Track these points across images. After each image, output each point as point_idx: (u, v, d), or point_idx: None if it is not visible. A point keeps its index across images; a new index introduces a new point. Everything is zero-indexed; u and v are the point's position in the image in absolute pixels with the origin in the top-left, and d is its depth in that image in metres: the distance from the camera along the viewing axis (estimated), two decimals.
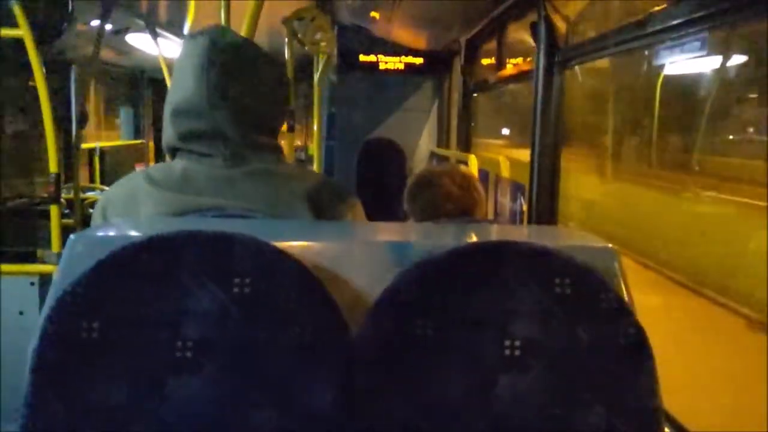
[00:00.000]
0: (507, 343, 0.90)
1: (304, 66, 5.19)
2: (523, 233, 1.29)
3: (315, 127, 5.88)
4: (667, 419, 0.94)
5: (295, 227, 1.22)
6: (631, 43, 1.78)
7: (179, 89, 1.32)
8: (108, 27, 4.34)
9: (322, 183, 1.39)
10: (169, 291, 0.88)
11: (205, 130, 1.30)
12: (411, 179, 2.20)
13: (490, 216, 3.51)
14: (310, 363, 0.89)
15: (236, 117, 1.30)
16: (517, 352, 0.90)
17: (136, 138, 8.69)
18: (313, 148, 6.02)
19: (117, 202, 1.31)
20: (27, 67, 2.94)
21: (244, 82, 1.32)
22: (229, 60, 1.31)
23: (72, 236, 0.95)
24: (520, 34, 3.72)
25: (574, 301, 0.91)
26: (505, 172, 3.32)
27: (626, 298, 0.97)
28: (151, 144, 9.17)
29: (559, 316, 0.90)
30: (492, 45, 4.22)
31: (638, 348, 0.91)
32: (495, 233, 1.22)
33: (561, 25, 2.09)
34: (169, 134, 1.36)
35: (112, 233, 1.00)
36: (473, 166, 3.51)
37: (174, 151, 1.37)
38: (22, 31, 2.77)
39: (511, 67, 3.76)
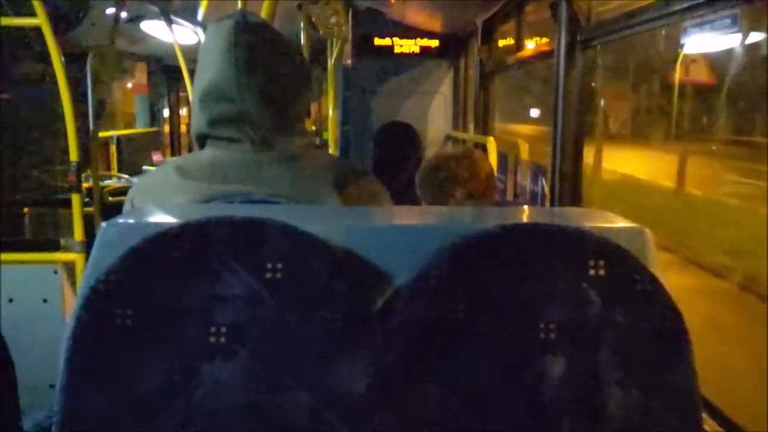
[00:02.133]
0: (541, 326, 0.89)
1: (318, 50, 5.18)
2: (551, 215, 1.28)
3: (330, 112, 5.88)
4: (704, 403, 0.93)
5: (324, 212, 1.22)
6: (655, 21, 1.75)
7: (206, 74, 1.33)
8: (123, 15, 4.35)
9: (349, 169, 1.39)
10: (201, 277, 0.88)
11: (233, 114, 1.30)
12: (423, 163, 2.20)
13: (510, 199, 3.49)
14: (343, 347, 0.89)
15: (263, 100, 1.31)
16: (551, 335, 0.89)
17: (151, 126, 8.73)
18: (328, 134, 6.01)
19: (146, 193, 1.32)
20: (44, 56, 2.95)
21: (269, 63, 1.33)
22: (253, 41, 1.31)
23: (103, 224, 0.95)
24: (538, 14, 3.68)
25: (609, 283, 0.90)
26: (524, 154, 3.30)
27: (661, 280, 0.95)
28: (167, 131, 9.22)
29: (594, 298, 0.90)
30: (509, 26, 4.18)
31: (674, 330, 0.90)
32: (524, 215, 1.21)
33: (582, 4, 2.06)
34: (198, 121, 1.36)
35: (143, 220, 1.00)
36: (492, 149, 3.49)
37: (202, 140, 1.37)
38: (40, 20, 2.78)
39: (529, 49, 3.73)
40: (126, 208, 1.34)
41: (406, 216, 1.25)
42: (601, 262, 0.90)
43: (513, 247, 0.91)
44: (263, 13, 1.94)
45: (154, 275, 0.88)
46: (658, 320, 0.90)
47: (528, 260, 0.91)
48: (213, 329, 0.87)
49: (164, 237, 0.88)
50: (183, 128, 9.68)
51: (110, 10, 4.29)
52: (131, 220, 1.00)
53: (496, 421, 0.89)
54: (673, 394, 0.90)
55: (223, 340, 0.87)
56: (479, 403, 0.90)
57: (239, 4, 2.36)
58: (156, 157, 7.59)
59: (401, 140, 5.34)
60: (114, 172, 6.40)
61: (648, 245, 0.97)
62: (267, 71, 1.32)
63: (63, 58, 2.84)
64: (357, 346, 0.90)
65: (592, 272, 0.90)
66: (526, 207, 1.84)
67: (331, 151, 5.41)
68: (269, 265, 0.88)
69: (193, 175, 1.29)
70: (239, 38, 1.29)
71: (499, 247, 0.91)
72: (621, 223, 1.02)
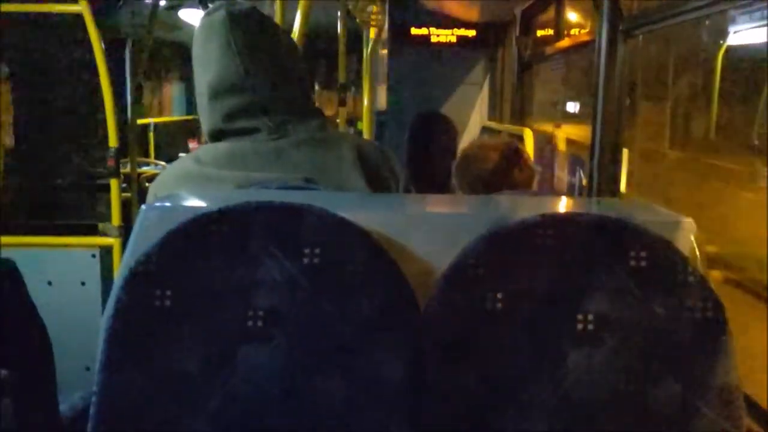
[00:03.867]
0: (579, 317, 0.88)
1: (354, 40, 5.17)
2: (591, 205, 1.27)
3: (365, 102, 5.87)
4: (745, 400, 0.91)
5: (362, 199, 1.22)
6: (701, 10, 1.72)
7: (210, 70, 1.32)
8: (161, 3, 4.39)
9: (367, 147, 1.39)
10: (239, 261, 0.88)
11: (247, 105, 1.30)
12: (460, 153, 2.18)
13: (547, 190, 3.46)
14: (379, 334, 0.89)
15: (272, 83, 1.31)
16: (590, 327, 0.88)
17: (187, 114, 8.81)
18: (363, 124, 6.01)
19: (169, 185, 1.32)
20: (82, 42, 2.98)
21: (268, 47, 1.34)
22: (249, 29, 1.32)
23: (143, 207, 0.96)
24: (578, 2, 3.63)
25: (649, 274, 0.88)
26: (561, 145, 3.27)
27: (703, 271, 0.93)
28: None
29: (634, 290, 0.88)
30: (548, 15, 4.13)
31: (716, 324, 0.88)
32: (563, 205, 1.20)
33: None
34: (211, 117, 1.35)
35: (182, 204, 1.00)
36: (529, 139, 3.46)
37: (217, 136, 1.36)
38: (81, 6, 2.81)
39: (568, 38, 3.68)
40: (149, 200, 1.34)
41: (443, 204, 1.24)
42: (642, 253, 0.88)
43: (552, 236, 0.90)
44: (300, 5, 1.93)
45: (193, 258, 0.88)
46: (699, 312, 0.88)
47: (567, 250, 0.89)
48: (251, 313, 0.88)
49: (204, 221, 0.89)
50: None
51: None
52: (170, 204, 1.01)
53: (531, 411, 0.88)
54: (714, 389, 0.88)
55: (260, 324, 0.88)
56: (515, 394, 0.89)
57: None
58: (192, 144, 7.67)
59: (436, 131, 5.32)
60: (151, 158, 6.48)
61: (690, 236, 0.96)
62: (268, 55, 1.32)
63: (103, 46, 2.87)
64: (393, 333, 0.90)
65: (632, 263, 0.88)
66: (564, 197, 1.82)
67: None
68: (307, 251, 0.88)
69: (213, 165, 1.28)
70: (235, 28, 1.29)
71: (537, 237, 0.90)
72: (663, 213, 1.01)
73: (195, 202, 1.01)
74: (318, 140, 1.34)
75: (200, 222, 0.89)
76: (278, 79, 1.33)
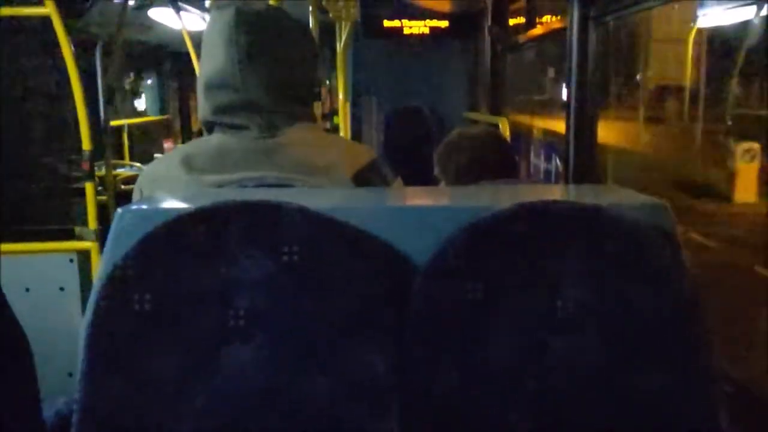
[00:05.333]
0: (559, 304, 0.88)
1: (327, 33, 5.15)
2: (568, 193, 1.27)
3: (340, 96, 5.85)
4: (724, 377, 0.92)
5: (340, 194, 1.21)
6: None
7: (210, 63, 1.32)
8: (131, 3, 4.33)
9: (359, 152, 1.38)
10: (218, 261, 0.88)
11: (238, 102, 1.30)
12: (442, 143, 2.18)
13: (524, 178, 3.47)
14: (361, 329, 0.89)
15: (268, 86, 1.30)
16: (569, 314, 0.88)
17: (161, 114, 8.73)
18: (339, 118, 6.00)
19: (154, 182, 1.31)
20: (52, 45, 2.94)
21: (273, 50, 1.31)
22: (256, 29, 1.30)
23: (119, 210, 0.95)
24: None
25: (626, 260, 0.89)
26: (537, 133, 3.28)
27: (679, 255, 0.94)
28: (177, 119, 9.22)
29: (611, 276, 0.89)
30: (519, 4, 4.14)
31: (692, 307, 0.89)
32: (539, 193, 1.20)
33: None
34: (203, 109, 1.35)
35: (158, 206, 1.00)
36: (504, 129, 3.47)
37: (210, 126, 1.37)
38: (48, 8, 2.77)
39: (540, 26, 3.69)
40: (135, 197, 1.34)
41: (422, 196, 1.24)
42: (620, 239, 0.89)
43: (530, 225, 0.90)
44: None
45: (171, 260, 0.88)
46: (676, 296, 0.89)
47: (545, 239, 0.90)
48: (231, 313, 0.87)
49: (180, 222, 0.88)
50: (194, 117, 9.68)
51: None
52: (146, 207, 1.00)
53: (515, 400, 0.89)
54: (692, 371, 0.89)
55: (241, 323, 0.87)
56: (498, 384, 0.89)
57: None
58: (167, 144, 7.61)
59: (412, 123, 5.33)
60: (126, 160, 6.42)
61: (667, 220, 0.96)
62: (271, 58, 1.31)
63: (73, 48, 2.84)
64: (375, 329, 0.90)
65: (609, 249, 0.89)
66: (542, 185, 1.83)
67: (342, 134, 5.39)
68: (286, 248, 0.88)
69: (199, 164, 1.28)
70: (241, 27, 1.28)
71: (516, 226, 0.90)
72: (639, 198, 1.01)
73: (171, 204, 1.01)
74: (307, 142, 1.33)
75: (177, 224, 0.88)
76: (275, 81, 1.32)
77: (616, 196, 1.08)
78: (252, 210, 0.89)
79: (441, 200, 1.19)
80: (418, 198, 1.22)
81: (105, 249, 0.94)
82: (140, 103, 8.80)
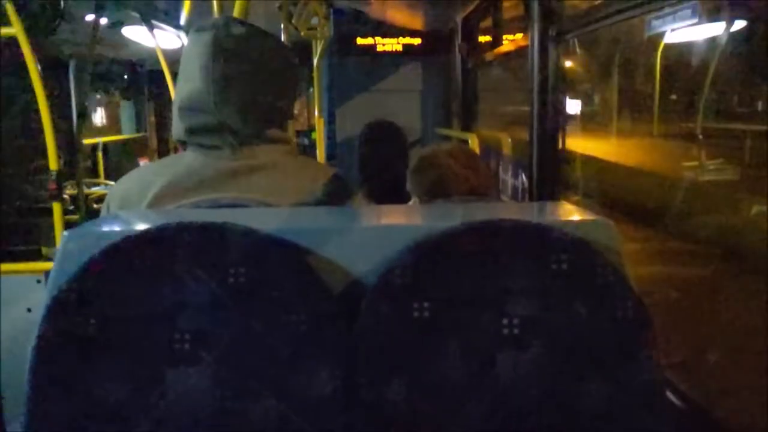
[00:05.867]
0: (505, 321, 0.89)
1: (302, 51, 5.17)
2: (519, 210, 1.29)
3: (316, 112, 5.87)
4: (670, 387, 0.93)
5: (287, 214, 1.21)
6: (627, 12, 1.76)
7: (185, 85, 1.32)
8: (103, 21, 4.33)
9: (329, 178, 1.38)
10: (164, 284, 0.87)
11: (211, 125, 1.30)
12: (414, 160, 2.18)
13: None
14: (309, 351, 0.89)
15: (243, 111, 1.30)
16: (515, 330, 0.89)
17: (137, 131, 8.69)
18: (316, 134, 6.01)
19: (121, 199, 1.31)
20: (22, 65, 2.94)
21: (249, 75, 1.32)
22: (233, 55, 1.30)
23: (65, 233, 0.95)
24: (515, 10, 3.68)
25: (571, 276, 0.90)
26: (507, 149, 3.30)
27: (623, 272, 0.96)
28: (154, 137, 9.18)
29: (557, 292, 0.90)
30: (487, 22, 4.19)
31: (637, 321, 0.90)
32: (489, 211, 1.21)
33: None
34: (177, 128, 1.36)
35: (104, 228, 0.99)
36: (474, 144, 3.49)
37: (183, 144, 1.37)
38: (15, 29, 2.76)
39: (507, 44, 3.73)
40: (103, 213, 1.34)
41: (370, 216, 1.25)
42: (563, 256, 0.90)
43: (475, 244, 0.91)
44: (235, 13, 1.93)
45: (115, 284, 0.88)
46: (621, 312, 0.90)
47: (491, 256, 0.91)
48: (177, 336, 0.87)
49: (125, 244, 0.88)
50: (170, 135, 9.63)
51: (90, 17, 4.27)
52: (92, 228, 1.00)
53: (465, 418, 0.89)
54: (638, 384, 0.90)
55: (187, 346, 0.87)
56: (448, 401, 0.90)
57: (215, 6, 2.35)
58: (143, 162, 7.57)
59: (387, 139, 5.33)
60: (101, 179, 6.37)
61: (612, 237, 0.98)
62: (246, 83, 1.31)
63: (40, 67, 2.83)
64: (323, 349, 0.90)
65: (554, 266, 0.90)
66: (491, 203, 1.84)
67: (318, 150, 5.40)
68: (232, 270, 0.88)
69: (166, 182, 1.28)
70: (218, 52, 1.28)
71: (461, 245, 0.91)
72: (585, 215, 1.03)
73: (117, 227, 1.00)
74: (277, 167, 1.33)
75: (122, 246, 0.88)
76: (250, 106, 1.32)
77: (565, 213, 1.09)
78: (197, 232, 0.89)
79: (390, 219, 1.19)
80: (368, 217, 1.22)
81: (51, 273, 0.94)
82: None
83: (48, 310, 0.87)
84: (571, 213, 1.06)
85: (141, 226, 0.91)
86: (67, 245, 0.94)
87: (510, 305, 0.90)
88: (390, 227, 1.05)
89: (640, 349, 0.90)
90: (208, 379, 0.88)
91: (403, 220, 1.16)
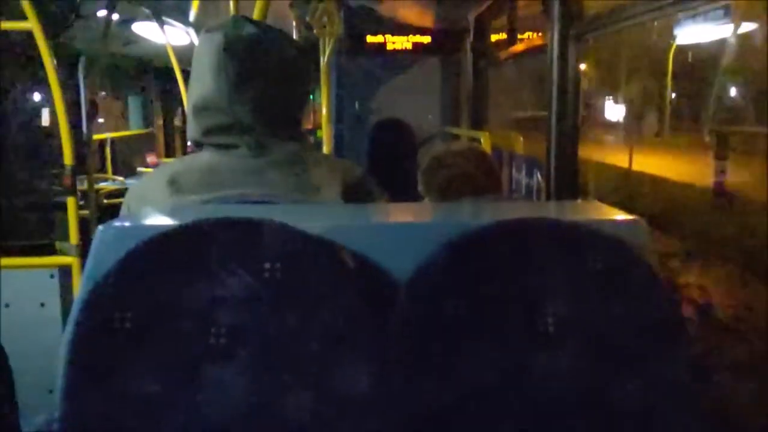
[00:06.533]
0: (540, 320, 0.89)
1: (310, 49, 5.18)
2: (548, 209, 1.29)
3: (324, 111, 5.87)
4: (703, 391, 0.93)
5: (322, 210, 1.22)
6: (648, 14, 1.76)
7: (198, 85, 1.32)
8: (114, 17, 4.33)
9: (349, 172, 1.38)
10: (200, 279, 0.87)
11: (227, 124, 1.30)
12: (425, 160, 2.18)
13: (506, 193, 3.49)
14: (344, 347, 0.89)
15: (257, 110, 1.30)
16: (550, 329, 0.89)
17: (145, 127, 8.70)
18: (322, 132, 6.02)
19: (141, 199, 1.32)
20: (34, 60, 2.94)
21: (262, 74, 1.31)
22: (245, 55, 1.30)
23: (100, 227, 0.95)
24: (530, 8, 3.68)
25: (606, 276, 0.90)
26: (519, 148, 3.31)
27: (657, 271, 0.96)
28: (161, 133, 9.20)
29: (592, 291, 0.90)
30: (501, 21, 4.18)
31: (672, 321, 0.90)
32: (521, 210, 1.21)
33: None
34: (193, 129, 1.36)
35: (140, 223, 0.99)
36: (486, 143, 3.49)
37: (199, 145, 1.37)
38: (31, 23, 2.76)
39: (521, 43, 3.73)
40: (123, 212, 1.34)
41: (404, 213, 1.25)
42: (598, 255, 0.90)
43: (510, 242, 0.91)
44: (255, 14, 1.93)
45: (152, 278, 0.88)
46: (655, 311, 0.90)
47: (525, 255, 0.91)
48: (213, 331, 0.87)
49: (161, 239, 0.88)
50: (177, 132, 9.65)
51: (101, 13, 4.28)
52: (128, 223, 1.00)
53: (498, 417, 0.89)
54: (673, 385, 0.90)
55: (223, 341, 0.87)
56: (481, 400, 0.90)
57: (231, 5, 2.35)
58: (150, 158, 7.57)
59: (396, 138, 5.33)
60: (109, 174, 6.38)
61: (644, 236, 0.98)
62: (259, 82, 1.31)
63: (55, 62, 2.83)
64: (358, 345, 0.90)
65: (589, 265, 0.90)
66: (523, 202, 1.85)
67: (325, 149, 5.40)
68: (268, 265, 0.88)
69: (186, 185, 1.28)
70: (229, 52, 1.28)
71: (496, 243, 0.91)
72: (616, 215, 1.03)
73: (153, 221, 1.01)
74: (296, 162, 1.33)
75: (158, 241, 0.88)
76: (264, 104, 1.32)
77: (596, 213, 1.09)
78: (234, 227, 0.90)
79: (423, 217, 1.20)
80: (401, 214, 1.22)
81: (86, 266, 0.94)
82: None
83: (84, 303, 0.87)
84: (603, 212, 1.06)
85: (175, 221, 0.92)
86: (103, 239, 0.94)
87: (544, 304, 0.90)
88: (425, 224, 1.05)
89: (675, 349, 0.90)
90: (243, 373, 0.88)
91: (438, 218, 1.17)
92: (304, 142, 1.41)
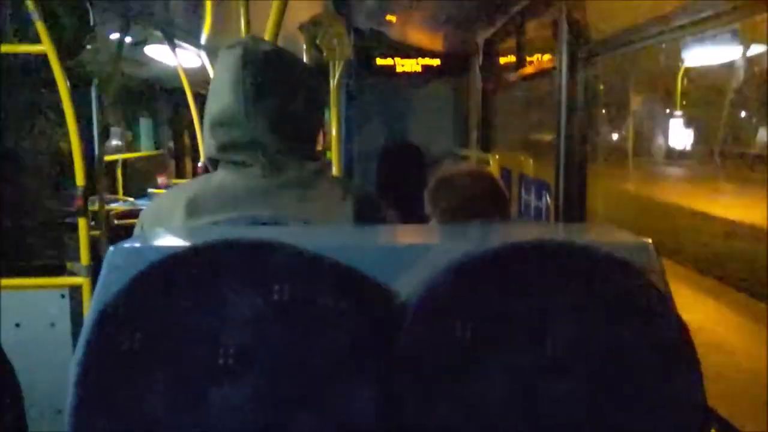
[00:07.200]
0: (549, 343, 0.89)
1: (320, 70, 5.21)
2: (557, 231, 1.28)
3: (333, 132, 5.90)
4: (714, 417, 0.92)
5: (330, 232, 1.22)
6: (656, 37, 1.77)
7: (216, 101, 1.34)
8: (127, 40, 4.38)
9: (360, 197, 1.38)
10: (208, 300, 0.88)
11: (243, 140, 1.31)
12: (432, 181, 2.17)
13: (514, 215, 3.49)
14: (351, 369, 0.89)
15: (273, 126, 1.31)
16: (559, 352, 0.89)
17: (156, 149, 8.77)
18: (332, 153, 6.04)
19: (154, 217, 1.33)
20: (48, 82, 2.97)
21: (279, 91, 1.33)
22: (263, 70, 1.31)
23: (111, 248, 0.96)
24: (539, 31, 3.70)
25: (616, 299, 0.90)
26: (528, 170, 3.31)
27: (667, 294, 0.95)
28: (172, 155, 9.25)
29: (601, 315, 0.89)
30: (510, 44, 4.20)
31: (682, 345, 0.90)
32: (529, 232, 1.21)
33: (582, 21, 2.08)
34: (208, 145, 1.37)
35: (150, 244, 1.00)
36: (495, 165, 3.50)
37: (214, 162, 1.38)
38: (45, 46, 2.80)
39: (530, 66, 3.74)
40: (136, 231, 1.35)
41: (412, 234, 1.25)
42: (609, 278, 0.90)
43: (519, 264, 0.91)
44: (267, 36, 1.95)
45: (162, 299, 0.88)
46: (665, 335, 0.89)
47: (534, 277, 0.90)
48: (221, 352, 0.87)
49: (172, 261, 0.89)
50: (187, 155, 9.71)
51: (114, 36, 4.33)
52: (138, 244, 1.01)
53: None
54: (682, 410, 0.89)
55: (231, 362, 0.87)
56: (489, 424, 0.89)
57: (242, 28, 2.38)
58: (161, 179, 7.62)
59: (406, 159, 5.35)
60: (120, 195, 6.42)
61: (653, 259, 0.97)
62: (276, 99, 1.32)
63: (68, 84, 2.86)
64: (365, 367, 0.90)
65: (598, 288, 0.90)
66: (531, 223, 1.84)
67: (335, 170, 5.43)
68: (276, 287, 0.88)
69: (200, 207, 1.29)
70: (247, 68, 1.30)
71: (505, 265, 0.91)
72: (626, 237, 1.02)
73: (164, 242, 1.01)
74: (309, 185, 1.34)
75: (168, 262, 0.88)
76: (280, 121, 1.33)
77: (604, 235, 1.09)
78: (243, 249, 0.90)
79: (432, 238, 1.20)
80: (409, 236, 1.22)
81: (97, 286, 0.95)
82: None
83: (94, 323, 0.87)
84: (612, 234, 1.06)
85: (186, 242, 0.92)
86: (113, 260, 0.95)
87: (554, 326, 0.89)
88: (433, 246, 1.05)
89: (684, 374, 0.90)
90: (250, 396, 0.88)
91: (446, 240, 1.17)
92: (319, 161, 1.41)
